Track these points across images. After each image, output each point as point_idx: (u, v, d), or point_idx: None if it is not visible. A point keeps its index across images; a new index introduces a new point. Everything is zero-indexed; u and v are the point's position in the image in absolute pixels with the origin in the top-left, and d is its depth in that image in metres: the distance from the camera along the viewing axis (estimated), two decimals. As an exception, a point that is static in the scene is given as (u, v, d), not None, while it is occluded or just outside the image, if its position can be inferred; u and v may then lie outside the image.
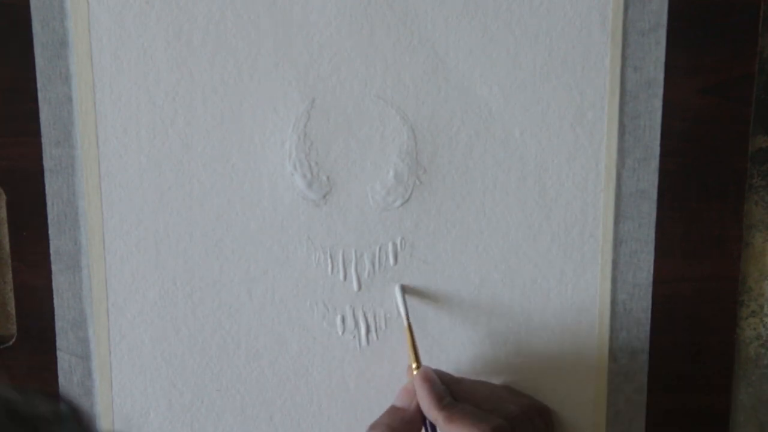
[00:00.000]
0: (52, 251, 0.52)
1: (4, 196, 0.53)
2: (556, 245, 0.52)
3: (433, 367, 0.50)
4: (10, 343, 0.54)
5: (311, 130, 0.51)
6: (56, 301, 0.53)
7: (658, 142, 0.51)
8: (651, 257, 0.52)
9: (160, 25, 0.50)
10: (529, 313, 0.53)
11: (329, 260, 0.53)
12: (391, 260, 0.53)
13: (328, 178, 0.52)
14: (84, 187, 0.52)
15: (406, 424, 0.47)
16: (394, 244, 0.52)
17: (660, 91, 0.50)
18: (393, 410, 0.48)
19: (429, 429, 0.48)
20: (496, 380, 0.53)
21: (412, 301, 0.53)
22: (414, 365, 0.49)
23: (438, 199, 0.52)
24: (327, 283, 0.53)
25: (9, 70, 0.51)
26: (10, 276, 0.54)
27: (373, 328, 0.53)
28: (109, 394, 0.54)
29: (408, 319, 0.51)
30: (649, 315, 0.53)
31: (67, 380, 0.54)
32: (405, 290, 0.52)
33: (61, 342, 0.53)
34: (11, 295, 0.54)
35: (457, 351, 0.53)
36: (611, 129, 0.51)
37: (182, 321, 0.53)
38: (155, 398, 0.54)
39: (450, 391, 0.47)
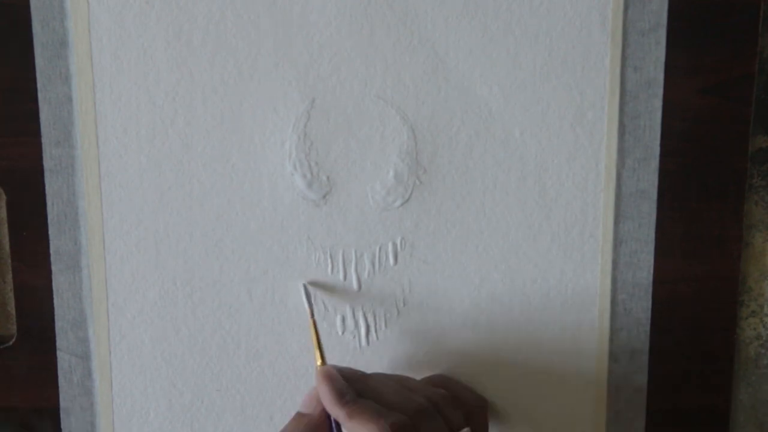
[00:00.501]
0: (52, 251, 0.52)
1: (4, 196, 0.53)
2: (556, 245, 0.52)
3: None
4: (10, 343, 0.54)
5: (311, 130, 0.51)
6: (56, 301, 0.53)
7: (658, 142, 0.51)
8: (651, 257, 0.52)
9: (160, 25, 0.50)
10: (529, 313, 0.53)
11: (329, 260, 0.53)
12: (391, 260, 0.53)
13: (328, 178, 0.52)
14: (84, 187, 0.52)
15: (311, 430, 0.47)
16: (394, 244, 0.52)
17: (660, 91, 0.50)
18: (298, 417, 0.48)
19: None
20: (497, 380, 0.54)
21: (414, 301, 0.53)
22: (318, 363, 0.49)
23: (438, 199, 0.52)
24: (327, 283, 0.53)
25: (9, 70, 0.51)
26: (10, 276, 0.54)
27: (373, 328, 0.53)
28: (109, 394, 0.54)
29: (313, 316, 0.50)
30: (649, 315, 0.53)
31: (67, 380, 0.54)
32: (307, 287, 0.52)
33: (61, 342, 0.53)
34: (11, 295, 0.54)
35: (457, 351, 0.53)
36: (611, 129, 0.51)
37: (182, 321, 0.53)
38: (155, 398, 0.54)
39: (356, 387, 0.46)
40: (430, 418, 0.46)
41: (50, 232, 0.52)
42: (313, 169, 0.52)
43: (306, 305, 0.51)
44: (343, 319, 0.53)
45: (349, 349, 0.54)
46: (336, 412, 0.45)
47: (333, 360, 0.53)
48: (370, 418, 0.44)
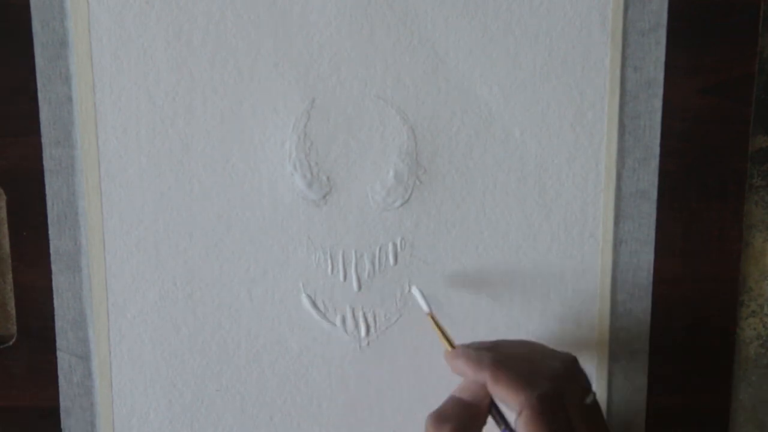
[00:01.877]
0: (52, 251, 0.52)
1: (4, 196, 0.53)
2: (556, 245, 0.52)
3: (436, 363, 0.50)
4: (10, 343, 0.54)
5: (311, 130, 0.51)
6: (56, 301, 0.53)
7: (658, 142, 0.51)
8: (651, 257, 0.52)
9: (160, 25, 0.50)
10: (529, 313, 0.53)
11: (329, 260, 0.53)
12: (391, 260, 0.53)
13: (328, 178, 0.52)
14: (84, 187, 0.52)
15: (473, 420, 0.44)
16: (394, 244, 0.52)
17: (660, 91, 0.50)
18: (458, 403, 0.44)
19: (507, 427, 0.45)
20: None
21: (414, 300, 0.53)
22: (449, 349, 0.47)
23: (438, 199, 0.52)
24: (327, 283, 0.53)
25: (9, 70, 0.51)
26: (10, 276, 0.54)
27: (373, 328, 0.53)
28: (109, 394, 0.54)
29: (431, 310, 0.50)
30: (649, 315, 0.53)
31: (67, 380, 0.54)
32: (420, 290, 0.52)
33: (61, 342, 0.53)
34: (11, 295, 0.54)
35: (457, 351, 0.53)
36: (611, 129, 0.51)
37: (182, 321, 0.53)
38: (155, 398, 0.54)
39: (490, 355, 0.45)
40: (569, 382, 0.44)
41: (50, 232, 0.52)
42: (313, 169, 0.52)
43: (424, 305, 0.50)
44: (343, 319, 0.53)
45: (349, 349, 0.54)
46: (482, 377, 0.43)
47: (333, 360, 0.53)
48: (518, 388, 0.42)
